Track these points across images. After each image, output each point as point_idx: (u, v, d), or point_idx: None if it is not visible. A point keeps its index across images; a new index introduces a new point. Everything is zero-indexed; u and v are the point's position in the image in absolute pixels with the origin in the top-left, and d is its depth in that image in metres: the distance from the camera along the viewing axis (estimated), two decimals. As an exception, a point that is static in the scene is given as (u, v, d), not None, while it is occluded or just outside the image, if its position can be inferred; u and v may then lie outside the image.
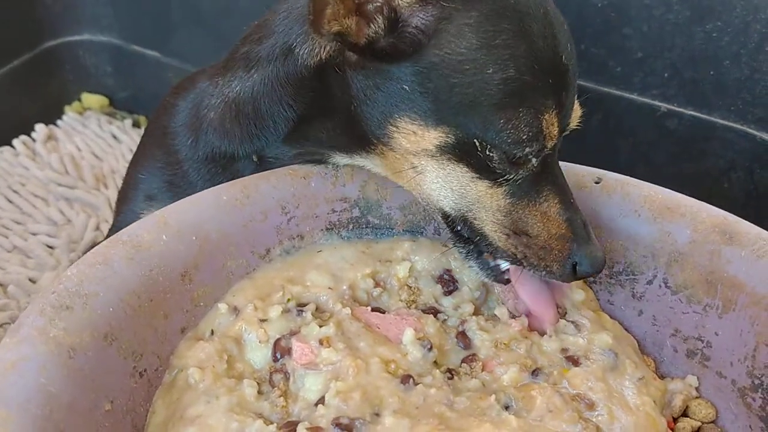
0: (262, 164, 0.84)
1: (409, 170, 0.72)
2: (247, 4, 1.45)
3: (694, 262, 0.75)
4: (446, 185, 0.71)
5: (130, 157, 1.27)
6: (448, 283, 0.81)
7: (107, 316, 0.67)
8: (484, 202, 0.70)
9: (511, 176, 0.68)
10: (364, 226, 0.84)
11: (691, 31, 1.14)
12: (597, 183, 0.80)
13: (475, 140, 0.66)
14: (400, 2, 0.66)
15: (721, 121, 1.18)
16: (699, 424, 0.73)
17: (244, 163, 0.85)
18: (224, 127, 0.84)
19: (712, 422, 0.74)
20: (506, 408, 0.67)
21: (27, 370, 0.59)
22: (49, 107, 1.74)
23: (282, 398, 0.68)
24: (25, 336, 0.62)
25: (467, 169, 0.69)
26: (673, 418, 0.74)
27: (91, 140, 1.66)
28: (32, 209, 1.45)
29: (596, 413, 0.68)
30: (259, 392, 0.69)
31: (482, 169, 0.68)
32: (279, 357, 0.71)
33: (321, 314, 0.76)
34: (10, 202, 1.46)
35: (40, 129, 1.65)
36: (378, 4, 0.66)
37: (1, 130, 1.62)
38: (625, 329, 0.79)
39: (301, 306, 0.75)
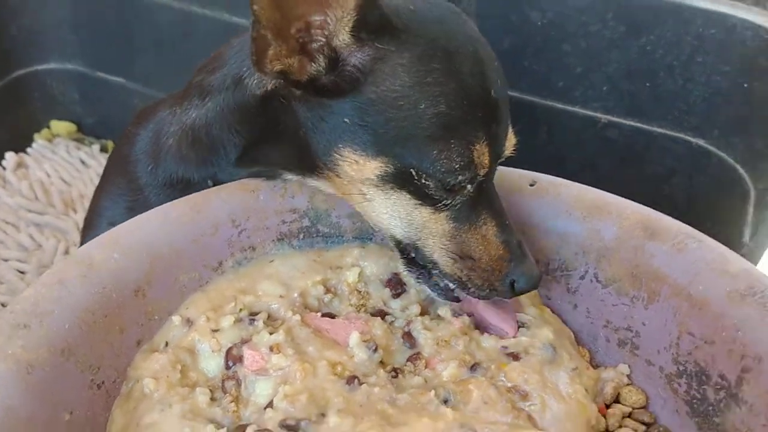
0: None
1: (358, 196, 0.77)
2: (207, 28, 1.49)
3: (620, 257, 0.79)
4: (393, 213, 0.76)
5: (98, 181, 1.30)
6: (396, 286, 0.85)
7: (63, 333, 0.70)
8: (430, 227, 0.75)
9: (449, 202, 0.73)
10: (314, 235, 0.88)
11: (627, 46, 1.19)
12: (532, 186, 0.85)
13: (411, 170, 0.71)
14: (339, 42, 0.70)
15: (659, 130, 1.24)
16: (630, 409, 0.77)
17: (200, 187, 0.88)
18: (181, 152, 0.88)
19: (643, 407, 0.78)
20: (445, 402, 0.71)
21: (-15, 386, 0.62)
22: (19, 135, 1.77)
23: (233, 404, 0.72)
24: (-18, 355, 0.65)
25: (409, 197, 0.74)
26: (605, 405, 0.78)
27: (60, 166, 1.69)
28: (3, 236, 1.48)
29: (529, 403, 0.72)
30: (212, 399, 0.72)
31: (422, 196, 0.73)
32: (231, 365, 0.75)
33: (273, 322, 0.79)
34: (-18, 229, 1.49)
35: (9, 157, 1.67)
36: (320, 43, 0.70)
37: (-28, 159, 1.65)
38: (563, 322, 0.84)
39: (253, 315, 0.79)
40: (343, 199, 0.86)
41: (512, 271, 0.74)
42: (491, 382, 0.72)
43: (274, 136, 0.80)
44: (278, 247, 0.86)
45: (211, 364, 0.76)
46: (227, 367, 0.75)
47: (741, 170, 1.17)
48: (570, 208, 0.83)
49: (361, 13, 0.68)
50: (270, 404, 0.70)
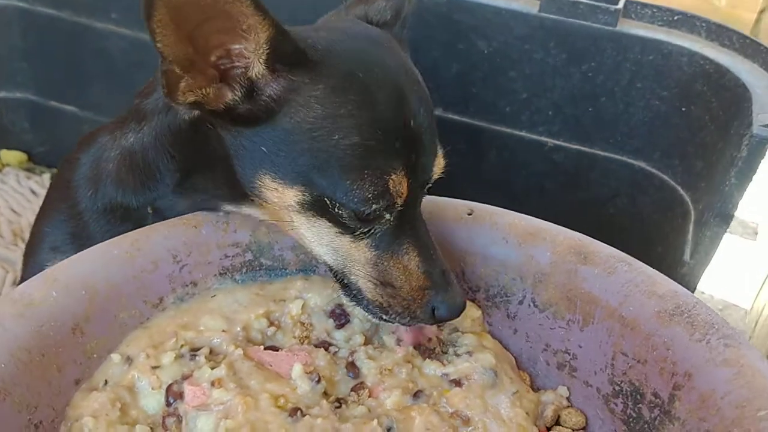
0: (157, 215, 0.87)
1: (287, 223, 0.77)
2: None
3: (555, 282, 0.81)
4: (318, 239, 0.77)
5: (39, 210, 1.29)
6: (340, 317, 0.85)
7: (-1, 373, 0.69)
8: (352, 255, 0.76)
9: (368, 230, 0.74)
10: (257, 268, 0.88)
11: (569, 72, 1.23)
12: (469, 215, 0.87)
13: (326, 199, 0.72)
14: (254, 73, 0.71)
15: (602, 153, 1.28)
16: (569, 431, 0.79)
17: (140, 214, 0.88)
18: (120, 177, 0.88)
19: (582, 429, 0.79)
20: (388, 430, 0.72)
21: None
22: (-33, 165, 1.74)
23: (173, 440, 0.72)
24: None
25: (330, 224, 0.75)
26: (546, 427, 0.79)
27: (9, 196, 1.67)
28: (-50, 268, 1.45)
29: (471, 428, 0.73)
30: (153, 436, 0.72)
31: (340, 224, 0.74)
32: (172, 401, 0.74)
33: (215, 357, 0.79)
34: (-74, 260, 1.46)
35: (-43, 186, 1.65)
36: (239, 71, 0.71)
37: None
38: (504, 347, 0.85)
39: (194, 351, 0.79)
40: (284, 232, 0.87)
41: (434, 298, 0.75)
42: (434, 409, 0.73)
43: (206, 161, 0.81)
44: (221, 281, 0.86)
45: (152, 402, 0.75)
46: (168, 404, 0.75)
47: (681, 191, 1.20)
48: (506, 236, 0.84)
49: (274, 46, 0.69)
50: (211, 439, 0.70)
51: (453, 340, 0.84)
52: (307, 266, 0.89)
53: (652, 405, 0.73)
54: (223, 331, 0.81)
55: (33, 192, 1.69)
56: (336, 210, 0.72)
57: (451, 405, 0.75)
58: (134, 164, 0.86)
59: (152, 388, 0.75)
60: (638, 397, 0.75)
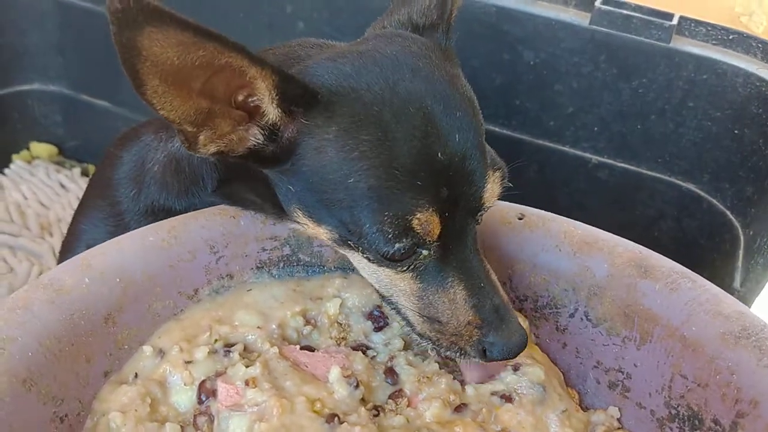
0: None
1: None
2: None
3: (612, 296, 0.77)
4: (362, 268, 0.74)
5: (77, 205, 1.27)
6: (378, 319, 0.82)
7: (26, 361, 0.66)
8: (398, 285, 0.72)
9: (405, 267, 0.70)
10: (295, 263, 0.84)
11: (619, 88, 1.20)
12: (520, 219, 0.83)
13: (349, 241, 0.69)
14: (272, 117, 0.67)
15: (649, 173, 1.24)
16: (620, 454, 0.74)
17: (169, 209, 0.86)
18: (165, 180, 0.86)
19: (633, 453, 0.75)
20: (429, 444, 0.68)
21: (-63, 415, 0.58)
22: (-3, 156, 1.73)
23: (204, 440, 0.68)
24: (-62, 381, 0.61)
25: (366, 259, 0.71)
26: (595, 449, 0.75)
27: (38, 189, 1.65)
28: (-24, 258, 1.43)
29: (520, 448, 0.69)
30: (183, 435, 0.69)
31: (376, 259, 0.70)
32: (204, 399, 0.71)
33: (249, 354, 0.76)
34: (-45, 249, 1.44)
35: (-15, 177, 1.63)
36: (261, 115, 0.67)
37: (-51, 178, 1.61)
38: (551, 361, 0.81)
39: (228, 347, 0.75)
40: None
41: (485, 337, 0.70)
42: (479, 424, 0.69)
43: (247, 176, 0.78)
44: (257, 275, 0.83)
45: (183, 398, 0.72)
46: (200, 402, 0.71)
47: (730, 216, 1.16)
48: (559, 243, 0.80)
49: (282, 91, 0.65)
50: (244, 442, 0.66)
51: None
52: (346, 264, 0.85)
53: (711, 432, 0.68)
54: (258, 327, 0.78)
55: (62, 186, 1.68)
56: (362, 252, 0.69)
57: (501, 422, 0.71)
58: (179, 169, 0.84)
59: (184, 384, 0.72)
60: (696, 422, 0.70)
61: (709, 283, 0.73)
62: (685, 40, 1.16)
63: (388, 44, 0.72)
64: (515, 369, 0.76)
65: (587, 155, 1.27)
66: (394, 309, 0.75)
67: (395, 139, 0.65)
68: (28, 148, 1.80)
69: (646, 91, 1.19)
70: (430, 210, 0.66)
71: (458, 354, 0.72)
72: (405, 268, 0.70)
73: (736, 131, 1.13)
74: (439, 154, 0.66)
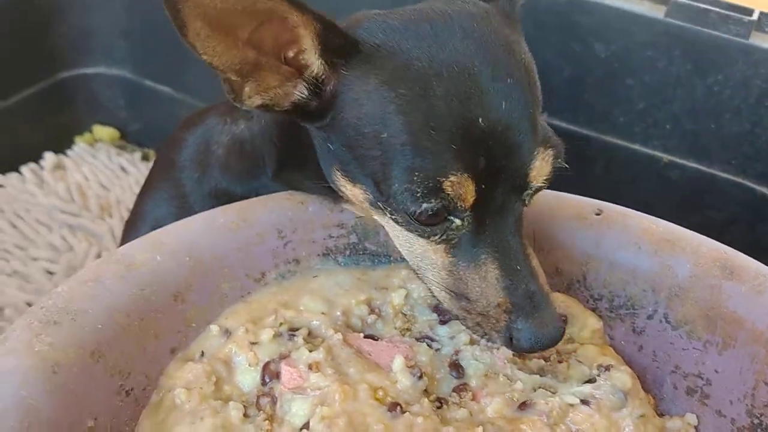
0: None
1: (373, 218, 0.73)
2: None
3: (694, 297, 0.74)
4: (396, 236, 0.72)
5: (137, 188, 1.28)
6: (444, 312, 0.80)
7: (95, 334, 0.66)
8: (429, 257, 0.69)
9: (442, 235, 0.67)
10: (361, 252, 0.83)
11: (693, 84, 1.15)
12: (597, 215, 0.80)
13: (380, 202, 0.67)
14: (315, 69, 0.66)
15: (722, 174, 1.19)
16: (697, 463, 0.71)
17: (231, 195, 0.86)
18: (228, 163, 0.86)
19: (711, 463, 0.72)
20: (493, 440, 0.66)
21: (8, 382, 0.58)
22: (60, 137, 1.76)
23: (267, 422, 0.67)
24: (9, 349, 0.62)
25: (398, 226, 0.68)
26: (670, 457, 0.72)
27: (99, 171, 1.68)
28: (35, 235, 1.46)
29: (590, 450, 0.66)
30: (246, 415, 0.68)
31: (405, 222, 0.67)
32: (267, 380, 0.70)
33: (313, 339, 0.75)
34: (15, 227, 1.47)
35: (48, 157, 1.66)
36: (309, 69, 0.66)
37: (12, 157, 1.63)
38: (626, 364, 0.77)
39: (293, 330, 0.75)
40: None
41: (513, 323, 0.66)
42: (544, 423, 0.66)
43: (301, 152, 0.77)
44: (323, 262, 0.82)
45: (247, 379, 0.71)
46: (263, 383, 0.70)
47: None
48: (639, 241, 0.77)
49: (324, 40, 0.64)
50: (306, 425, 0.66)
51: (571, 350, 0.77)
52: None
53: (799, 445, 0.65)
54: (323, 313, 0.77)
55: (123, 169, 1.70)
56: (391, 215, 0.67)
57: (575, 423, 0.68)
58: (243, 151, 0.84)
59: (249, 365, 0.71)
60: (782, 434, 0.66)
61: (800, 288, 0.70)
62: (765, 37, 1.11)
63: (446, 3, 0.69)
64: (605, 370, 0.74)
65: (658, 154, 1.22)
66: (425, 283, 0.73)
67: (435, 97, 0.63)
68: (90, 131, 1.82)
69: (721, 89, 1.14)
70: (465, 175, 0.63)
71: (483, 337, 0.68)
72: (437, 237, 0.67)
73: None
74: (480, 120, 0.63)
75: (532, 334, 0.65)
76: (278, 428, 0.67)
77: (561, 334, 0.66)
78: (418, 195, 0.63)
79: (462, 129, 0.62)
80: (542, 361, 0.77)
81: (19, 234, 1.45)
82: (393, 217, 0.68)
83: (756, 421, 0.69)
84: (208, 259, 0.75)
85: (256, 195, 0.84)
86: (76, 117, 1.80)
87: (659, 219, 0.78)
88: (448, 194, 0.63)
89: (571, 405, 0.69)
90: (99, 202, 1.59)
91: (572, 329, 0.79)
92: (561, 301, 0.80)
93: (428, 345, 0.76)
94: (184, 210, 0.90)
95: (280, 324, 0.75)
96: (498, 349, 0.77)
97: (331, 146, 0.69)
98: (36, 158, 1.65)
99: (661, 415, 0.76)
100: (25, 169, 1.61)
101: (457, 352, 0.76)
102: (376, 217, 0.72)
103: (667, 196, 1.24)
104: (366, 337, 0.76)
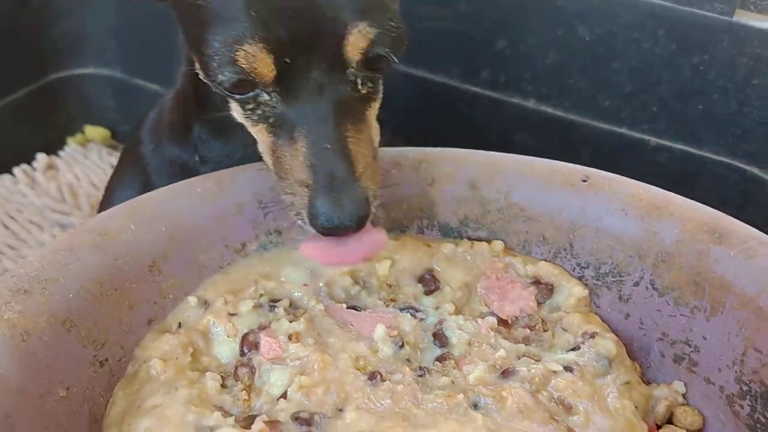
0: (205, 164, 0.86)
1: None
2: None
3: (681, 263, 0.72)
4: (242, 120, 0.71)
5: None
6: (429, 282, 0.79)
7: (67, 303, 0.65)
8: (260, 140, 0.70)
9: (252, 114, 0.67)
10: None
11: (679, 65, 1.13)
12: (584, 181, 0.78)
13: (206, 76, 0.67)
14: None
15: (711, 156, 1.16)
16: (683, 431, 0.69)
17: (193, 166, 0.87)
18: (172, 127, 0.88)
19: (699, 430, 0.69)
20: (475, 406, 0.64)
21: (-26, 349, 0.57)
22: (52, 138, 1.75)
23: (245, 392, 0.66)
24: (-25, 316, 0.60)
25: (242, 116, 0.69)
26: (656, 425, 0.70)
27: (91, 170, 1.67)
28: (27, 235, 1.45)
29: (571, 417, 0.64)
30: (223, 386, 0.66)
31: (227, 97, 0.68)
32: (246, 351, 0.69)
33: (294, 310, 0.73)
34: (7, 228, 1.46)
35: (41, 158, 1.65)
36: None
37: (3, 158, 1.63)
38: (613, 333, 0.76)
39: (274, 302, 0.73)
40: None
41: (313, 201, 0.64)
42: (526, 390, 0.65)
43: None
44: (305, 233, 0.80)
45: (225, 350, 0.70)
46: (242, 354, 0.69)
47: None
48: (626, 207, 0.76)
49: None
50: (284, 395, 0.64)
51: (556, 319, 0.76)
52: (398, 226, 0.83)
53: (788, 410, 0.63)
54: (305, 285, 0.76)
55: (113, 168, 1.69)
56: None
57: (557, 390, 0.66)
58: (179, 110, 0.86)
59: (227, 336, 0.70)
60: (772, 399, 0.64)
61: (790, 250, 0.68)
62: (750, 14, 1.09)
63: None
64: (589, 337, 0.72)
65: (645, 137, 1.20)
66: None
67: None
68: (82, 131, 1.81)
69: (707, 69, 1.12)
70: (260, 46, 0.61)
71: (296, 216, 0.67)
72: (252, 114, 0.67)
73: None
74: None
75: (326, 212, 0.63)
76: (256, 398, 0.65)
77: (362, 215, 0.64)
78: (217, 64, 0.62)
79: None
80: (527, 330, 0.76)
81: (11, 234, 1.44)
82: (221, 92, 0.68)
83: (745, 388, 0.67)
84: (184, 229, 0.73)
85: (199, 155, 0.85)
86: (67, 118, 1.79)
87: (648, 185, 0.77)
88: (243, 66, 0.62)
89: (554, 372, 0.67)
90: (90, 201, 1.58)
91: (558, 298, 0.78)
92: (547, 271, 0.79)
93: (412, 315, 0.75)
94: (147, 185, 0.90)
95: (261, 295, 0.74)
96: (481, 316, 0.76)
97: (181, 31, 0.70)
98: (29, 160, 1.64)
99: (647, 383, 0.74)
100: (17, 171, 1.60)
101: (441, 322, 0.74)
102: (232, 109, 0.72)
103: (656, 179, 1.21)
104: (349, 308, 0.75)
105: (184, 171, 0.86)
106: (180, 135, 0.87)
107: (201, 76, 0.70)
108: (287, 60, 0.62)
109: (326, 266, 0.75)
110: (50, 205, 1.52)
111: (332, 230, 0.64)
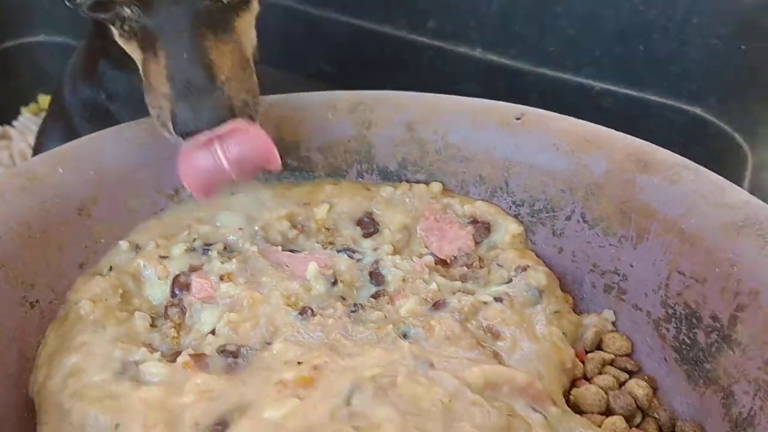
0: (111, 100, 0.88)
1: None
2: None
3: (609, 194, 0.73)
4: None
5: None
6: (368, 225, 0.79)
7: (-6, 244, 0.65)
8: (134, 55, 0.71)
9: (121, 30, 0.69)
10: (282, 168, 0.81)
11: (619, 5, 1.13)
12: (518, 119, 0.79)
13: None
14: None
15: (655, 98, 1.16)
16: (612, 356, 0.70)
17: (101, 103, 0.88)
18: (84, 67, 0.89)
19: (627, 355, 0.71)
20: (404, 336, 0.65)
21: None
22: (6, 108, 1.72)
23: (174, 330, 0.66)
24: None
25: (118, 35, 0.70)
26: (586, 351, 0.71)
27: (43, 138, 1.65)
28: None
29: (499, 342, 0.65)
30: (153, 325, 0.67)
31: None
32: (177, 292, 0.69)
33: (229, 253, 0.73)
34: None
35: (-6, 128, 1.63)
36: None
37: (-42, 130, 1.60)
38: (548, 268, 0.76)
39: (207, 245, 0.73)
40: (313, 130, 0.82)
41: (172, 110, 0.65)
42: (454, 319, 0.66)
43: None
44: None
45: (157, 292, 0.70)
46: (173, 295, 0.69)
47: (739, 138, 1.09)
48: (557, 142, 0.76)
49: None
50: (212, 332, 0.64)
51: (493, 257, 0.77)
52: (336, 170, 0.83)
53: (709, 329, 0.64)
54: (240, 229, 0.75)
55: (67, 133, 1.67)
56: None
57: (486, 318, 0.67)
58: (88, 51, 0.88)
59: (158, 278, 0.70)
60: (694, 321, 0.66)
61: (714, 174, 0.69)
62: (687, -50, 1.09)
63: None
64: (521, 270, 0.73)
65: (590, 82, 1.20)
66: None
67: None
68: (36, 101, 1.79)
69: (647, 8, 1.11)
70: None
71: (162, 128, 0.68)
72: (127, 36, 0.69)
73: (742, 47, 1.06)
74: None
75: (184, 116, 0.64)
76: (185, 336, 0.66)
77: (220, 116, 0.64)
78: None
79: None
80: (465, 269, 0.77)
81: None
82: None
83: (670, 311, 0.68)
84: (114, 173, 0.73)
85: (105, 90, 0.86)
86: (21, 87, 1.76)
87: (580, 120, 0.77)
88: None
89: (485, 303, 0.68)
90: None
91: (495, 236, 0.79)
92: (484, 210, 0.80)
93: (349, 256, 0.75)
94: (70, 129, 0.91)
95: (194, 239, 0.74)
96: (420, 256, 0.77)
97: None
98: (-17, 131, 1.62)
99: (581, 314, 0.75)
100: (-30, 141, 1.58)
101: (377, 262, 0.75)
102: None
103: (602, 124, 1.22)
104: (285, 251, 0.75)
105: (96, 111, 0.87)
106: (89, 74, 0.88)
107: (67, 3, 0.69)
108: None
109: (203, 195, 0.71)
110: (1, 172, 1.50)
111: (191, 133, 0.65)
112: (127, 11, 0.67)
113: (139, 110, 0.74)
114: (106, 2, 0.66)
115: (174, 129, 0.66)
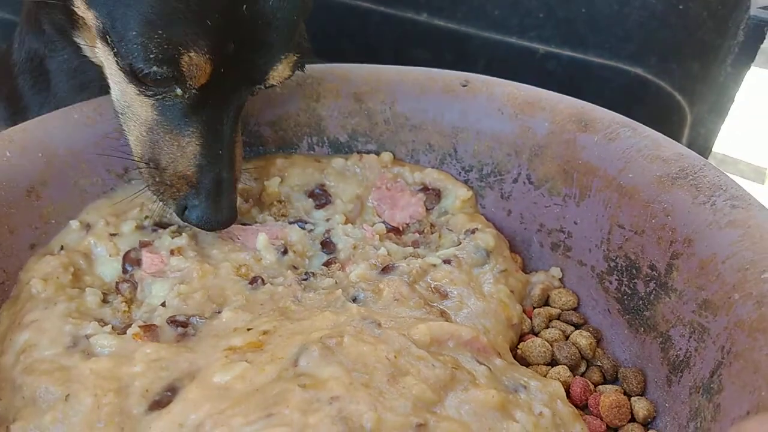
0: (52, 59, 0.85)
1: (92, 48, 0.70)
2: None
3: (552, 154, 0.75)
4: (111, 75, 0.69)
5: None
6: (321, 197, 0.80)
7: (-57, 228, 0.64)
8: (134, 107, 0.68)
9: (149, 92, 0.65)
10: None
11: (562, -33, 1.14)
12: (464, 86, 0.80)
13: (108, 37, 0.64)
14: None
15: (597, 60, 1.17)
16: (558, 311, 0.72)
17: (42, 56, 0.86)
18: (28, 22, 0.87)
19: (574, 309, 0.73)
20: (354, 300, 0.66)
21: None
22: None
23: (125, 304, 0.67)
24: None
25: (117, 65, 0.66)
26: (533, 307, 0.73)
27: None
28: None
29: (447, 301, 0.67)
30: (104, 301, 0.67)
31: (125, 70, 0.65)
32: (129, 269, 0.70)
33: (181, 229, 0.74)
34: None
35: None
36: None
37: None
38: (498, 230, 0.78)
39: (158, 224, 0.74)
40: (263, 106, 0.82)
41: (191, 197, 0.66)
42: (402, 281, 0.67)
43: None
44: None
45: (108, 269, 0.71)
46: (124, 271, 0.70)
47: (678, 96, 1.11)
48: (502, 107, 0.78)
49: None
50: (163, 304, 0.65)
51: (443, 222, 0.78)
52: (288, 144, 0.84)
53: (647, 279, 0.66)
54: (192, 204, 0.76)
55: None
56: (116, 56, 0.64)
57: (434, 279, 0.69)
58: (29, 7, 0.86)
59: (109, 255, 0.71)
60: (634, 271, 0.68)
61: (651, 130, 0.71)
62: None
63: None
64: (471, 233, 0.75)
65: (534, 45, 1.20)
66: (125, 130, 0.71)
67: None
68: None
69: None
70: (206, 57, 0.61)
71: (160, 199, 0.69)
72: (150, 94, 0.66)
73: (680, 7, 1.08)
74: (245, 7, 0.61)
75: (205, 214, 0.67)
76: (137, 310, 0.66)
77: (230, 221, 0.68)
78: (151, 57, 0.61)
79: (222, 9, 0.60)
80: (417, 235, 0.78)
81: None
82: (117, 58, 0.65)
83: (612, 264, 0.70)
84: (62, 154, 0.73)
85: (46, 45, 0.84)
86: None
87: (524, 84, 0.79)
88: (182, 70, 0.61)
89: (434, 265, 0.70)
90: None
91: (446, 202, 0.80)
92: (434, 177, 0.81)
93: (301, 227, 0.76)
94: (12, 90, 0.90)
95: (146, 217, 0.74)
96: (372, 225, 0.78)
97: None
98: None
99: (529, 273, 0.77)
100: None
101: (328, 231, 0.76)
102: (98, 48, 0.68)
103: (548, 87, 1.24)
104: (237, 224, 0.76)
105: (40, 67, 0.85)
106: (34, 24, 0.85)
107: (94, 52, 0.68)
108: (222, 70, 0.63)
109: None
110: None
111: (202, 228, 0.69)
112: (179, 91, 0.64)
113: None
114: (171, 81, 0.63)
115: (183, 215, 0.67)
